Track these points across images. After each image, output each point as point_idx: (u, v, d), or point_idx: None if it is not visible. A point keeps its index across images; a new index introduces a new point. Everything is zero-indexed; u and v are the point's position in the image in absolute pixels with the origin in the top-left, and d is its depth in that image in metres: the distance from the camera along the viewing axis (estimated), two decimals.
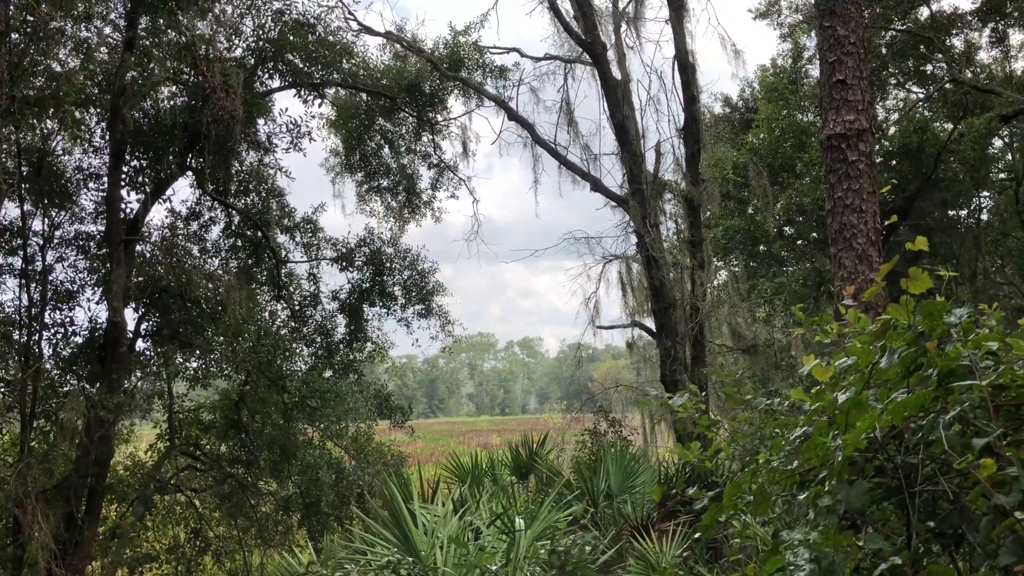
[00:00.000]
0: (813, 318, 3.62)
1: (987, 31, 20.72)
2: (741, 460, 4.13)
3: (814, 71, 20.89)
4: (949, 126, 20.23)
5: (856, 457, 2.66)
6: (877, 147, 12.09)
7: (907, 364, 2.60)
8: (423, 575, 6.37)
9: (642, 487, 11.26)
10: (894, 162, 20.15)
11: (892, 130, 21.25)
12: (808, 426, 2.89)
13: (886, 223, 7.42)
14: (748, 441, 4.02)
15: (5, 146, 12.99)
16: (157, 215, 27.27)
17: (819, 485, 2.70)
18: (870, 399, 2.61)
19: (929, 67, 21.21)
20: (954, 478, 2.48)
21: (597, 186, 16.04)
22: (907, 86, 22.30)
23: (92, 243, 14.96)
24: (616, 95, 15.32)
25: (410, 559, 6.42)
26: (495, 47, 17.77)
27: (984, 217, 22.69)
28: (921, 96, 22.07)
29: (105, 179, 14.63)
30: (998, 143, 21.60)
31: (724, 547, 9.16)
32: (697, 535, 3.44)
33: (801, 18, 21.75)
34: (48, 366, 13.97)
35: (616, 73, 15.62)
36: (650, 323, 15.36)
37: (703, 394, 4.45)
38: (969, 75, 20.58)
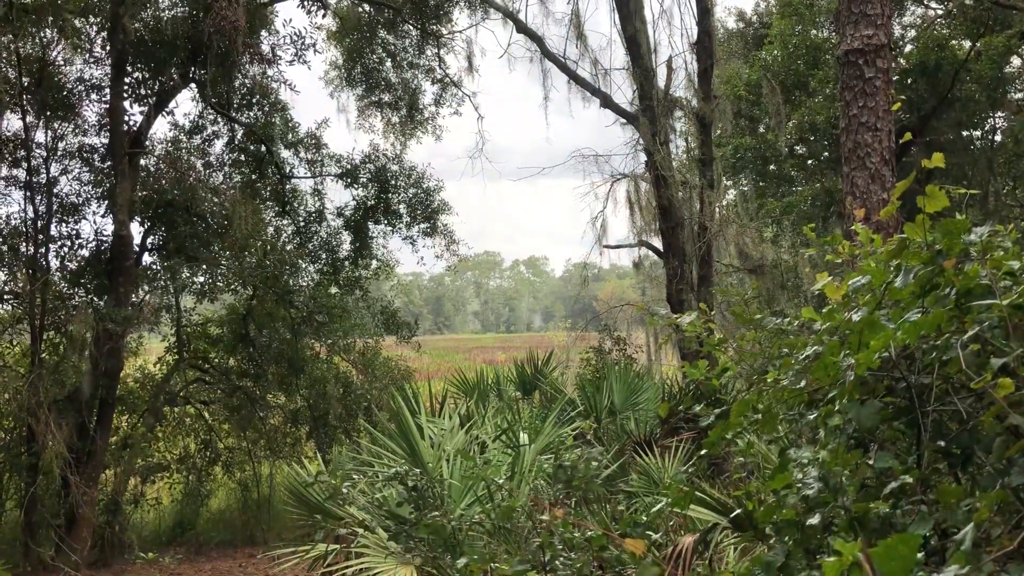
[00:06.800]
0: (824, 238, 3.57)
1: None
2: (748, 379, 4.13)
3: None
4: (967, 44, 19.71)
5: (867, 377, 2.65)
6: (893, 65, 11.79)
7: (922, 284, 2.56)
8: (430, 486, 6.48)
9: (645, 404, 11.40)
10: (910, 80, 19.71)
11: (909, 48, 20.72)
12: (819, 345, 2.87)
13: (900, 142, 7.28)
14: (755, 360, 4.02)
15: (4, 55, 12.76)
16: (160, 128, 26.99)
17: (829, 404, 2.69)
18: (882, 319, 2.58)
19: None
20: (967, 398, 2.46)
21: (607, 102, 15.72)
22: (925, 2, 21.66)
23: (96, 156, 14.82)
24: (628, 7, 14.89)
25: (417, 471, 6.53)
26: None
27: (998, 138, 22.31)
28: (940, 12, 21.44)
29: (107, 90, 14.40)
30: (1016, 61, 21.08)
31: (727, 464, 9.30)
32: (703, 451, 3.46)
33: None
34: (55, 278, 14.00)
35: None
36: (657, 243, 15.26)
37: (712, 313, 4.43)
38: None
